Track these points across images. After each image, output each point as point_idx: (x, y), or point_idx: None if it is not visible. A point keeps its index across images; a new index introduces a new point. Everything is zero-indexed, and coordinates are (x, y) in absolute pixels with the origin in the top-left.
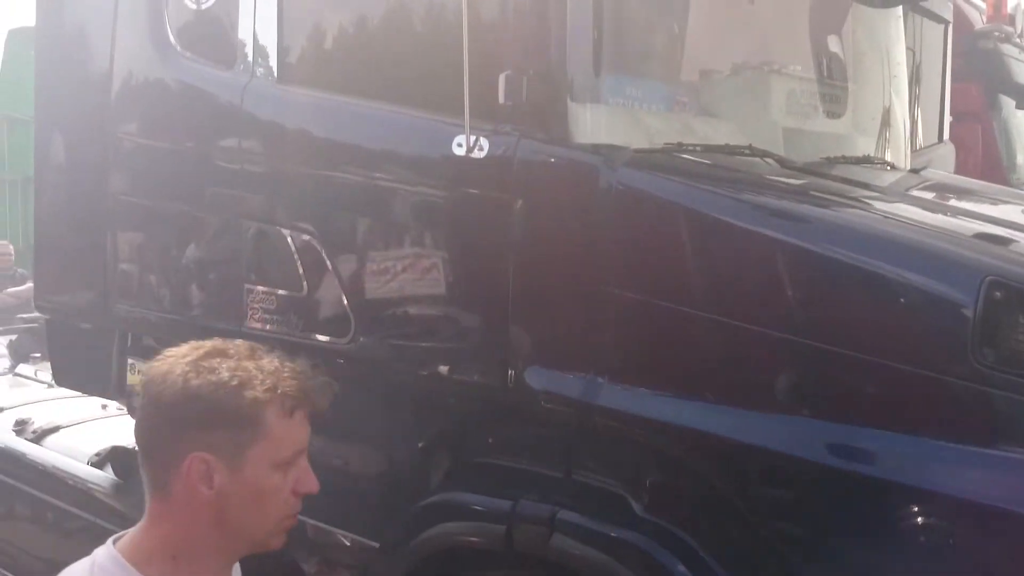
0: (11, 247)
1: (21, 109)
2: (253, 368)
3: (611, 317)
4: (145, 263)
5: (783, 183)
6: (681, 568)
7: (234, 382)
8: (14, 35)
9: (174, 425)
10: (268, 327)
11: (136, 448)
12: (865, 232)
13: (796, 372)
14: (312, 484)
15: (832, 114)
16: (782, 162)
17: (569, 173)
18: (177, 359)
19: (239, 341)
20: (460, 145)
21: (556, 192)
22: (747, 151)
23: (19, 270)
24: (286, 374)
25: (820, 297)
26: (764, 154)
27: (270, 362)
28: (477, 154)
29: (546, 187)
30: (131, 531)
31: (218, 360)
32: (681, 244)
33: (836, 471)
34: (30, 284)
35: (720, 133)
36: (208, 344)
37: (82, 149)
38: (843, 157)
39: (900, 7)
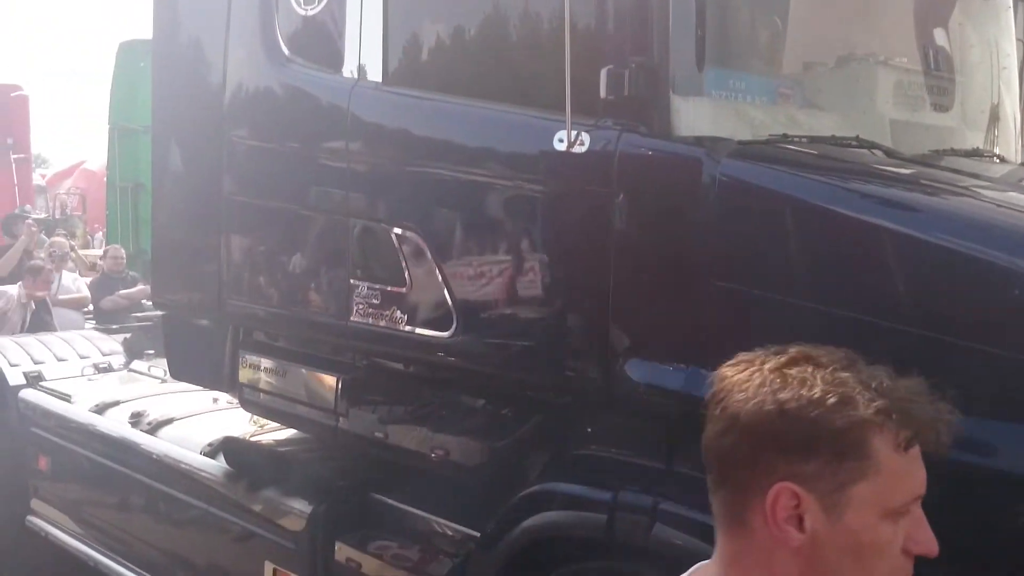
0: (123, 251)
1: (132, 119)
2: (854, 382)
3: (715, 309)
4: (256, 261)
5: (893, 172)
6: None
7: (832, 399)
8: (124, 48)
9: (755, 446)
10: (372, 322)
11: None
12: (979, 221)
13: (905, 363)
14: (931, 543)
15: (940, 107)
16: (890, 153)
17: (672, 166)
18: (756, 365)
19: (831, 348)
20: (561, 140)
21: (658, 185)
22: (854, 142)
23: (131, 273)
24: (901, 394)
25: (933, 287)
26: (872, 145)
27: (876, 376)
28: (578, 149)
29: (648, 181)
30: (701, 567)
31: (809, 369)
32: (787, 235)
33: (959, 464)
34: (141, 287)
35: (825, 125)
36: (793, 349)
37: (198, 154)
38: (951, 150)
39: None
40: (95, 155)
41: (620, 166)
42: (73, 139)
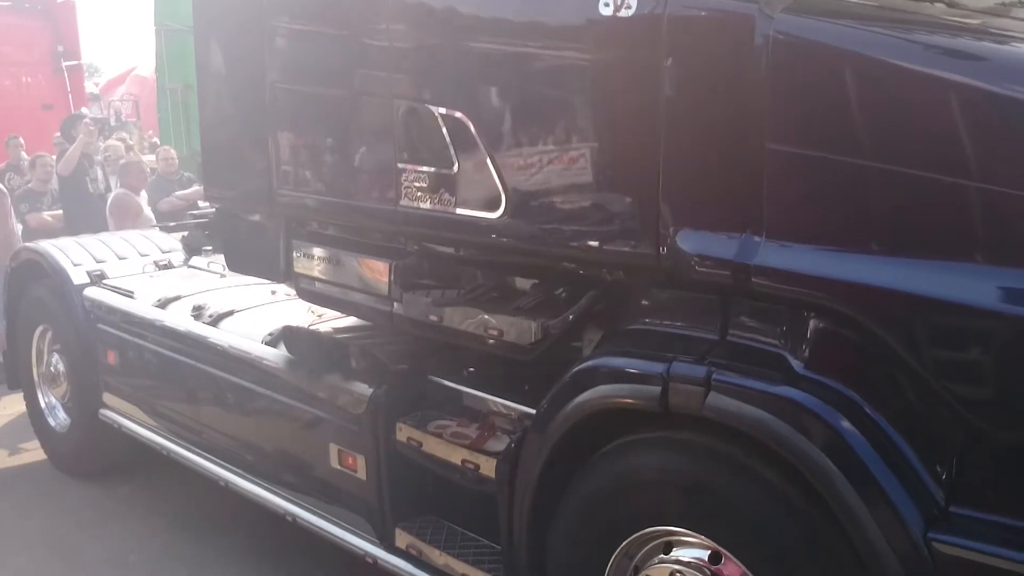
0: (173, 152)
1: (177, 19)
2: None
3: (769, 173)
4: (304, 150)
5: (959, 23)
6: (845, 423)
7: None
8: None
9: None
10: (421, 205)
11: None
12: None
13: (977, 219)
14: None
15: None
16: (953, 4)
17: (724, 24)
18: None
19: None
20: (607, 4)
21: (710, 46)
22: None
23: (185, 174)
24: None
25: (1000, 139)
26: None
27: None
28: (625, 12)
29: (699, 41)
30: None
31: None
32: (847, 92)
33: (1019, 319)
34: (196, 187)
35: None
36: None
37: (239, 47)
38: (1020, 1)
39: None
40: (146, 60)
41: (669, 28)
42: (124, 45)
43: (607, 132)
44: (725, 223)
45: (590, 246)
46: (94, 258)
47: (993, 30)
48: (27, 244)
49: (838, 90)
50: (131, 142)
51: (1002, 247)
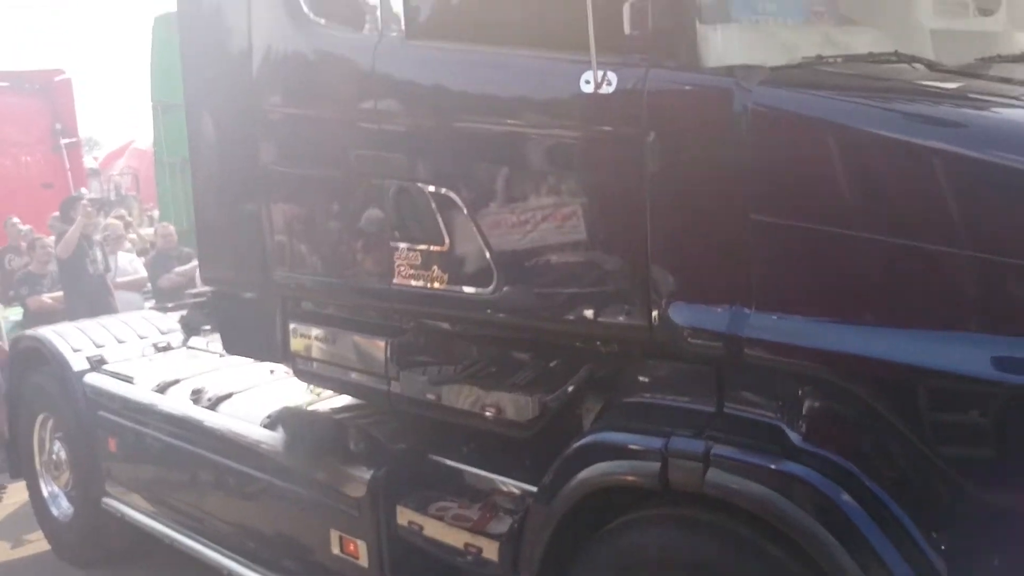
0: (172, 227)
1: (173, 94)
2: None
3: (755, 244)
4: (298, 230)
5: (937, 88)
6: (845, 496)
7: None
8: (160, 22)
9: None
10: (415, 283)
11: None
12: None
13: (965, 286)
14: None
15: (984, 11)
16: (932, 66)
17: (702, 99)
18: None
19: None
20: (588, 82)
21: (689, 120)
22: (893, 58)
23: (184, 249)
24: None
25: (986, 205)
26: (912, 59)
27: None
28: (606, 89)
29: (679, 116)
30: None
31: None
32: (828, 162)
33: (1015, 387)
34: (195, 263)
35: (862, 41)
36: None
37: (231, 125)
38: (999, 56)
39: None
40: (144, 133)
41: (649, 103)
42: (122, 119)
43: (594, 207)
44: (715, 295)
45: (583, 319)
46: (93, 343)
47: (972, 95)
48: (27, 331)
49: (818, 160)
50: (130, 218)
51: (992, 315)
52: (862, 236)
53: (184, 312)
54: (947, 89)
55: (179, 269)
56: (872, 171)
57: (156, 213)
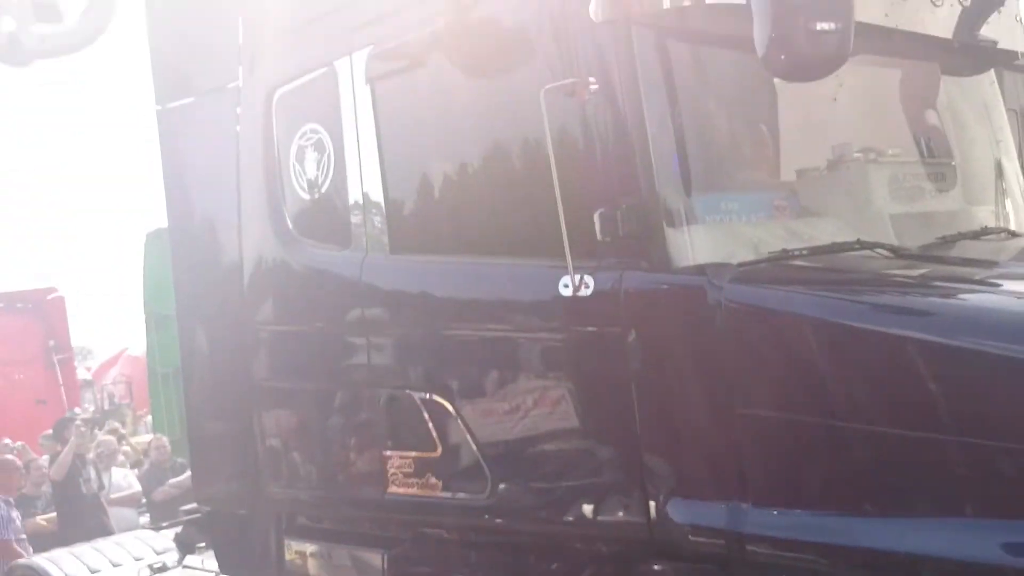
0: (166, 440)
1: (166, 305)
2: None
3: (743, 438)
4: (291, 444)
5: (901, 276)
6: None
7: None
8: (152, 237)
9: None
10: (409, 491)
11: None
12: (996, 316)
13: (955, 471)
14: None
15: (940, 191)
16: (895, 251)
17: (676, 298)
18: None
19: None
20: (566, 286)
21: (667, 318)
22: (856, 246)
23: (178, 460)
24: None
25: (962, 390)
26: (874, 246)
27: None
28: (584, 292)
29: (656, 314)
30: None
31: None
32: (805, 354)
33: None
34: (189, 473)
35: (825, 232)
36: None
37: (222, 339)
38: (959, 234)
39: (992, 71)
40: (138, 340)
41: (627, 303)
42: (116, 326)
43: (583, 407)
44: (711, 490)
45: (580, 520)
46: (88, 568)
47: (937, 281)
48: (20, 560)
49: (795, 354)
50: (124, 430)
51: (986, 498)
52: (847, 426)
53: (179, 529)
54: (913, 277)
55: (173, 481)
56: (848, 362)
57: (150, 419)
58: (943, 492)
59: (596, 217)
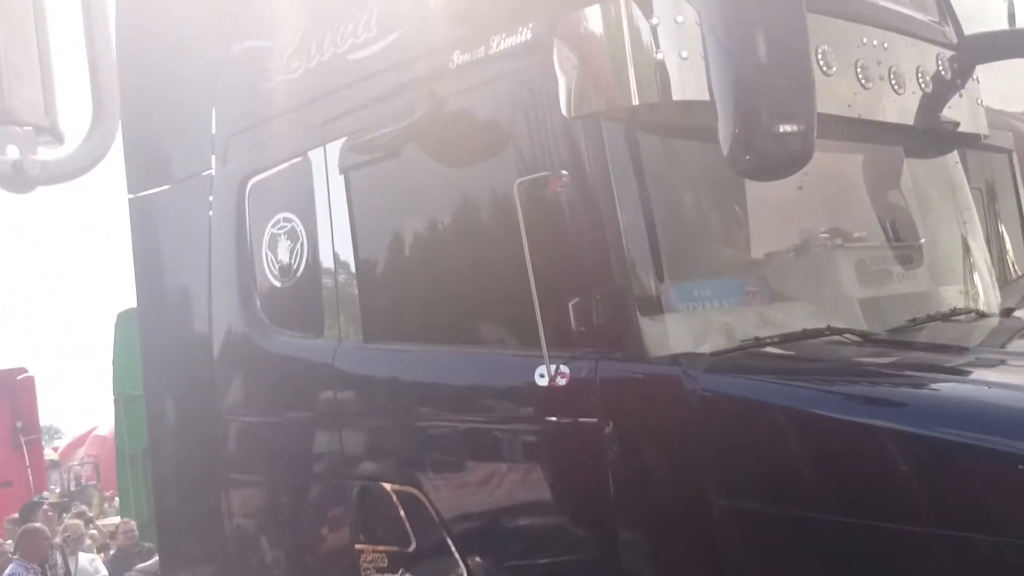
0: (133, 524)
1: (135, 387)
2: None
3: (720, 529)
4: (260, 533)
5: (871, 364)
6: None
7: None
8: (123, 317)
9: None
10: None
11: None
12: (967, 407)
13: (931, 564)
14: None
15: (908, 272)
16: (865, 337)
17: (651, 387)
18: None
19: None
20: (542, 376)
21: (642, 408)
22: (826, 332)
23: (145, 544)
24: None
25: (938, 482)
26: (844, 332)
27: None
28: (560, 381)
29: (632, 404)
30: None
31: None
32: (776, 445)
33: None
34: (156, 559)
35: (795, 317)
36: None
37: (191, 424)
38: (928, 316)
39: (955, 152)
40: (106, 420)
41: (603, 393)
42: (84, 405)
43: (563, 500)
44: None
45: None
46: None
47: (907, 370)
48: None
49: (769, 444)
50: (91, 513)
51: None
52: (821, 518)
53: None
54: (883, 365)
55: (140, 566)
56: (821, 452)
57: (118, 501)
58: None
59: (571, 307)
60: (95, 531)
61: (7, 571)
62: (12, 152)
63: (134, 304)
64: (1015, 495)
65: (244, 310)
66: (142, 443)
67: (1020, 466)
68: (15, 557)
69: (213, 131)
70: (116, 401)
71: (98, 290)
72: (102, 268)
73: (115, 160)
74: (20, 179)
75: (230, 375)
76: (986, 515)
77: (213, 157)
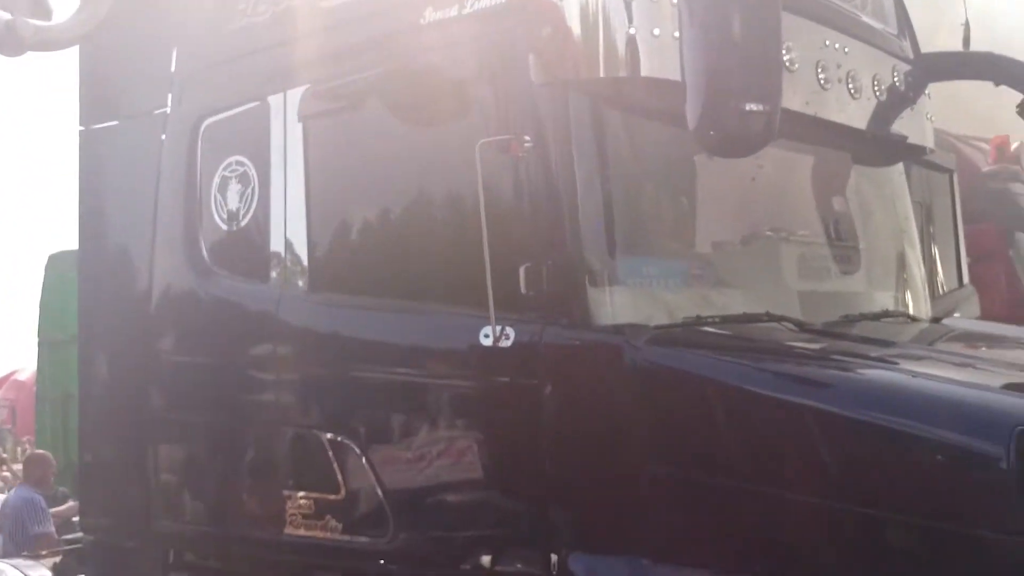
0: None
1: (62, 330)
2: None
3: (648, 495)
4: (186, 478)
5: (804, 348)
6: None
7: None
8: (53, 259)
9: None
10: (307, 532)
11: None
12: (890, 392)
13: (842, 538)
14: None
15: (846, 273)
16: (801, 326)
17: (594, 355)
18: None
19: None
20: (487, 336)
21: (583, 374)
22: (765, 318)
23: (60, 488)
24: None
25: (855, 461)
26: (781, 319)
27: None
28: (504, 343)
29: (573, 370)
30: None
31: None
32: (710, 417)
33: None
34: (71, 503)
35: (737, 302)
36: None
37: (124, 366)
38: (861, 315)
39: (901, 164)
40: (27, 365)
41: (545, 357)
42: (4, 350)
43: (493, 455)
44: (613, 545)
45: (479, 570)
46: None
47: (836, 355)
48: None
49: (701, 415)
50: (4, 454)
51: (877, 568)
52: (744, 487)
53: (57, 559)
54: (814, 350)
55: (54, 510)
56: (750, 426)
57: (29, 447)
58: (836, 558)
59: (522, 271)
60: (8, 473)
61: None
62: (4, 15)
63: (66, 247)
64: (928, 477)
65: (188, 252)
66: (63, 386)
67: (935, 450)
68: None
69: (172, 69)
70: (40, 345)
71: (24, 234)
72: (29, 211)
73: (49, 100)
74: (12, 40)
75: (169, 317)
76: (898, 494)
77: (170, 96)
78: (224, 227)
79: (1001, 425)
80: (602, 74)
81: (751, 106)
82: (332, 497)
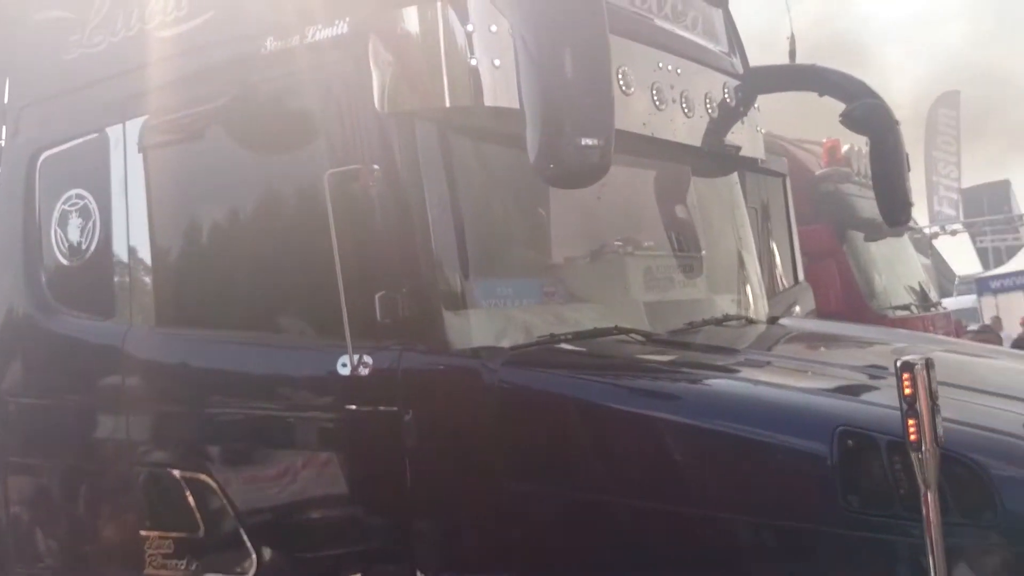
0: None
1: None
2: None
3: (512, 512)
4: (39, 523)
5: (651, 361)
6: None
7: None
8: None
9: None
10: (168, 573)
11: None
12: (731, 400)
13: (699, 542)
14: None
15: (689, 281)
16: (648, 337)
17: (452, 379)
18: None
19: None
20: (345, 365)
21: (443, 398)
22: (614, 331)
23: None
24: None
25: (705, 468)
26: (630, 331)
27: None
28: (362, 371)
29: (433, 395)
30: None
31: None
32: (567, 434)
33: None
34: None
35: (588, 317)
36: None
37: None
38: (703, 321)
39: (736, 173)
40: None
41: (404, 384)
42: None
43: (356, 484)
44: (478, 565)
45: None
46: None
47: (684, 367)
48: None
49: (560, 432)
50: None
51: (732, 570)
52: (605, 501)
53: None
54: (662, 362)
55: None
56: (606, 440)
57: None
58: (691, 561)
59: (377, 299)
60: None
61: None
62: None
63: None
64: (768, 479)
65: (29, 289)
66: None
67: (772, 453)
68: None
69: (5, 101)
70: None
71: None
72: None
73: None
74: None
75: (11, 356)
76: (745, 496)
77: (3, 128)
78: (66, 262)
79: (824, 426)
80: (447, 104)
81: (586, 140)
82: (192, 535)
